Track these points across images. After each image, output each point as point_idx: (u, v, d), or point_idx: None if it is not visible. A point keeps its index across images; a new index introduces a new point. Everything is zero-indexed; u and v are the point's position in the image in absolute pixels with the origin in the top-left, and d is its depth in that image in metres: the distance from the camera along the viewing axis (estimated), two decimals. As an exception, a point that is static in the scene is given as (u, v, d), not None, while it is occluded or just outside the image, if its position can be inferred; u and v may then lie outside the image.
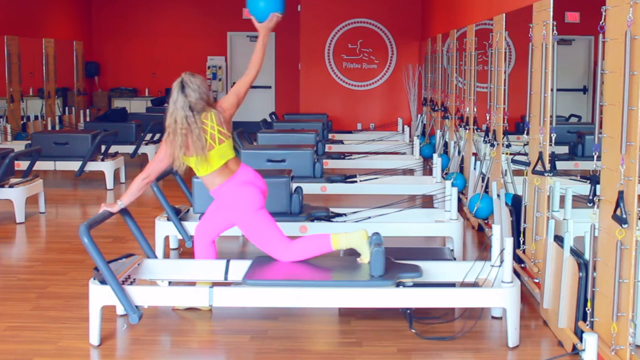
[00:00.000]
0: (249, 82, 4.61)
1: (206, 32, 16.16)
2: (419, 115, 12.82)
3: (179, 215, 5.75)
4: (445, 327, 4.51)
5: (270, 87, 16.38)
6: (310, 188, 7.01)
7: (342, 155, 9.55)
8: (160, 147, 4.45)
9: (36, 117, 12.94)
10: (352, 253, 4.59)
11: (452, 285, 4.54)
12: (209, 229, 4.76)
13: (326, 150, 9.92)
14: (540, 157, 4.90)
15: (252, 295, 4.20)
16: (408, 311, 4.42)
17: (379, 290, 4.16)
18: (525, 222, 5.25)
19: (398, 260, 4.49)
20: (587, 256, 3.86)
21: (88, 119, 13.32)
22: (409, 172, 8.73)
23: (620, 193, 3.42)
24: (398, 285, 4.22)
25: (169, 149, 4.36)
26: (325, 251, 4.49)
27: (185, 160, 4.41)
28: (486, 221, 6.65)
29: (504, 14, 6.18)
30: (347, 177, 7.51)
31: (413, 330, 4.35)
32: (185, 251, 6.10)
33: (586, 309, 3.82)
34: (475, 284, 4.48)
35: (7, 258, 6.47)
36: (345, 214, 6.06)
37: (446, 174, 8.30)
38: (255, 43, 4.71)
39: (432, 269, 4.61)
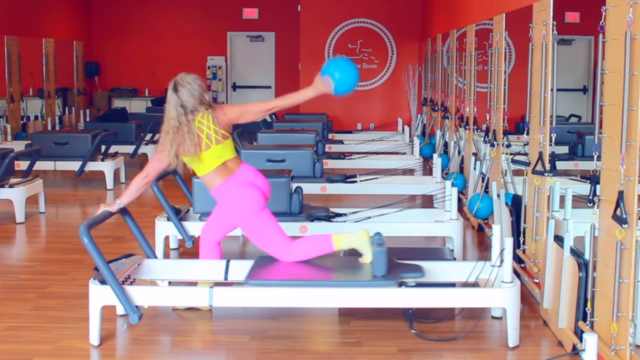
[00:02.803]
0: (265, 110, 4.55)
1: (206, 32, 16.15)
2: (419, 115, 12.83)
3: (179, 215, 5.75)
4: (446, 327, 4.51)
5: (270, 87, 16.37)
6: (310, 188, 7.00)
7: (342, 155, 9.55)
8: (158, 147, 4.45)
9: (36, 117, 12.94)
10: (352, 253, 4.59)
11: (452, 285, 4.54)
12: (214, 231, 4.76)
13: (326, 150, 9.92)
14: (540, 157, 4.90)
15: (253, 295, 4.20)
16: (410, 311, 4.42)
17: (381, 290, 4.17)
18: (525, 222, 5.25)
19: (400, 261, 4.49)
20: (587, 256, 3.86)
21: (88, 119, 13.32)
22: (409, 172, 8.73)
23: (620, 193, 3.42)
24: (400, 285, 4.22)
25: (165, 148, 4.37)
26: (327, 251, 4.49)
27: (185, 160, 4.42)
28: (486, 221, 6.65)
29: (504, 14, 6.18)
30: (347, 177, 7.51)
31: (413, 331, 4.35)
32: (185, 251, 6.10)
33: (586, 309, 3.82)
34: (475, 284, 4.48)
35: (7, 258, 6.47)
36: (345, 214, 6.06)
37: (446, 174, 8.30)
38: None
39: (432, 269, 4.61)
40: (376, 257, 4.23)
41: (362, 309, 4.62)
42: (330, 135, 11.59)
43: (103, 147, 9.67)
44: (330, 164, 9.05)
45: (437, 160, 7.37)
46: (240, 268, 4.71)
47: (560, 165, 5.58)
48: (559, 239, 4.32)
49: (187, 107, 4.36)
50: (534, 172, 4.95)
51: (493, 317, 4.62)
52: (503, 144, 6.19)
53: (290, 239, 4.51)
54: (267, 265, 4.47)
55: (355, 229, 4.62)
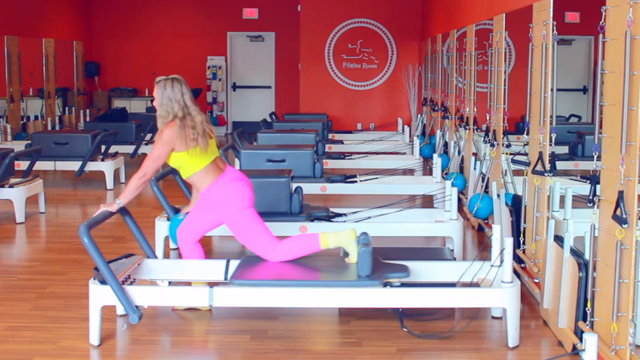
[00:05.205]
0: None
1: (206, 32, 16.15)
2: (419, 115, 12.83)
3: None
4: (445, 326, 4.51)
5: (270, 87, 16.38)
6: (310, 188, 7.01)
7: (342, 155, 9.55)
8: (155, 145, 4.44)
9: (36, 117, 12.93)
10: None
11: (452, 285, 4.54)
12: (194, 230, 4.74)
13: (326, 150, 9.92)
14: (540, 157, 4.90)
15: (251, 295, 4.20)
16: (400, 310, 4.42)
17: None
18: (525, 222, 5.25)
19: (388, 261, 4.49)
20: (587, 256, 3.86)
21: (88, 119, 13.32)
22: (409, 172, 8.73)
23: (620, 193, 3.42)
24: (385, 285, 4.22)
25: (170, 141, 4.37)
26: (313, 250, 4.50)
27: (175, 158, 4.43)
28: (486, 221, 6.65)
29: (504, 14, 6.18)
30: (347, 177, 7.51)
31: (405, 329, 4.36)
32: (185, 251, 6.09)
33: (586, 309, 3.82)
34: (475, 284, 4.48)
35: (7, 258, 6.47)
36: (345, 214, 6.06)
37: (446, 174, 8.30)
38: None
39: (432, 269, 4.61)
40: (361, 257, 4.22)
41: (362, 309, 4.61)
42: (330, 135, 11.59)
43: (103, 147, 9.67)
44: (330, 164, 9.05)
45: (437, 160, 7.37)
46: (240, 268, 4.70)
47: (560, 165, 5.58)
48: (559, 239, 4.32)
49: (194, 103, 4.49)
50: (534, 172, 4.95)
51: (493, 317, 4.62)
52: (503, 144, 6.19)
53: (278, 239, 4.53)
54: (253, 265, 4.48)
55: (343, 228, 4.60)
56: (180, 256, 4.91)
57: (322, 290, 4.18)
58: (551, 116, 4.81)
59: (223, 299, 4.19)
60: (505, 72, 6.25)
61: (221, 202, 4.49)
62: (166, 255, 5.98)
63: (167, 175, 5.80)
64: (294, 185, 5.99)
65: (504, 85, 6.23)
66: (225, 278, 4.66)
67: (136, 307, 4.12)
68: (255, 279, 4.27)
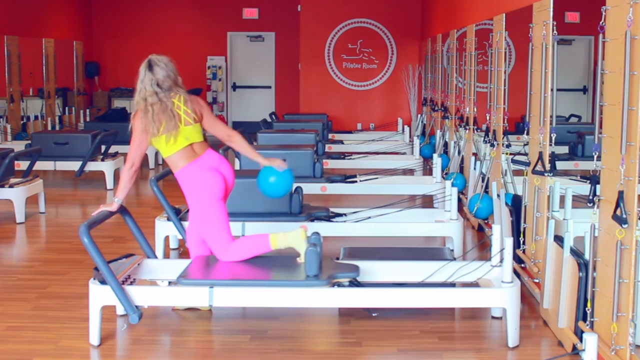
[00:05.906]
0: (224, 136, 4.66)
1: (206, 32, 16.15)
2: (419, 115, 12.83)
3: (179, 215, 5.75)
4: (444, 326, 4.51)
5: (270, 87, 16.37)
6: (310, 188, 7.01)
7: (342, 155, 9.55)
8: (133, 133, 4.44)
9: (36, 117, 12.93)
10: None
11: (452, 285, 4.54)
12: (194, 228, 4.75)
13: (326, 150, 9.92)
14: (540, 157, 4.90)
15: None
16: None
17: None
18: (525, 222, 5.25)
19: (339, 261, 4.49)
20: (587, 256, 3.86)
21: (88, 119, 13.32)
22: (409, 172, 8.73)
23: (620, 193, 3.42)
24: (334, 285, 4.21)
25: (143, 128, 4.37)
26: (264, 251, 4.50)
27: (153, 142, 4.43)
28: (486, 221, 6.65)
29: (504, 14, 6.18)
30: (347, 177, 7.51)
31: (374, 314, 4.41)
32: (185, 251, 6.10)
33: (586, 309, 3.82)
34: (475, 284, 4.48)
35: (7, 258, 6.47)
36: (345, 214, 6.06)
37: (446, 174, 8.30)
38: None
39: (432, 269, 4.60)
40: (308, 257, 4.22)
41: (363, 308, 4.61)
42: (330, 135, 11.59)
43: (103, 147, 9.67)
44: (330, 164, 9.05)
45: (437, 160, 7.37)
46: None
47: (560, 165, 5.57)
48: (559, 239, 4.32)
49: (164, 87, 4.40)
50: (534, 172, 4.95)
51: (493, 317, 4.62)
52: (503, 144, 6.19)
53: (233, 239, 4.52)
54: (204, 264, 4.49)
55: (293, 228, 4.61)
56: (188, 255, 4.90)
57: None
58: (551, 116, 4.81)
59: (223, 299, 4.17)
60: (505, 72, 6.25)
61: (187, 188, 4.49)
62: (166, 255, 5.99)
63: (167, 175, 5.80)
64: (294, 185, 5.98)
65: (504, 85, 6.23)
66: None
67: (136, 307, 4.12)
68: (202, 278, 4.28)
